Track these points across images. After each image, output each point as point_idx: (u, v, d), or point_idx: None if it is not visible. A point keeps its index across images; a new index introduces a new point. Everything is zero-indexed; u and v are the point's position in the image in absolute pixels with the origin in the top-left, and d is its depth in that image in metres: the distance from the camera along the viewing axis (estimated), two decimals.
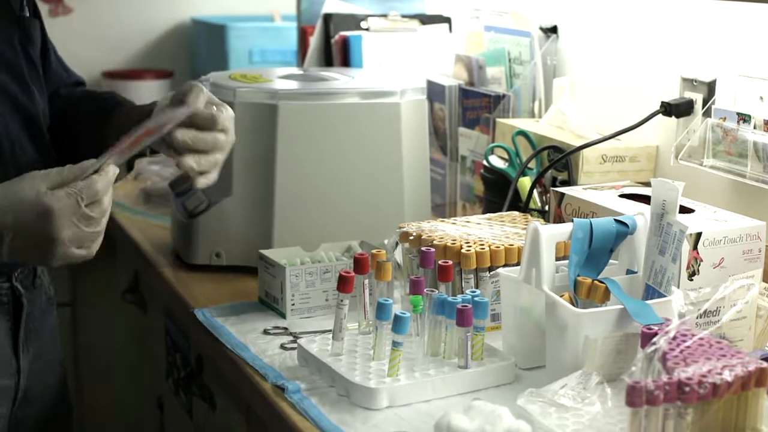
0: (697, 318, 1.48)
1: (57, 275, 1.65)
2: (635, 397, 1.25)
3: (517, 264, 1.64)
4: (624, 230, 1.57)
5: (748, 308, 1.57)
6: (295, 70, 2.37)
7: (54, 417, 1.84)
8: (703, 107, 1.94)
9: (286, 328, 1.77)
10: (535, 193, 2.07)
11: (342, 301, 1.59)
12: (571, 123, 2.19)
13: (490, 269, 1.71)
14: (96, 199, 1.44)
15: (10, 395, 1.70)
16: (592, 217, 1.67)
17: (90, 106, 1.85)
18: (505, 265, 1.70)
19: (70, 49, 3.43)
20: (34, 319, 1.76)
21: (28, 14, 1.75)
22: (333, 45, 2.81)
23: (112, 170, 1.46)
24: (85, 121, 1.81)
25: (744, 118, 1.80)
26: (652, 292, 1.55)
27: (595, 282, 1.52)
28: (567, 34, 2.38)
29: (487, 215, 1.93)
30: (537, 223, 1.56)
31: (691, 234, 1.57)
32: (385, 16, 2.79)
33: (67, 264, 1.49)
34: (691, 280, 1.58)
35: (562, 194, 1.85)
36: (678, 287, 1.53)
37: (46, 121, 1.76)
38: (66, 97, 1.87)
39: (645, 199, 1.74)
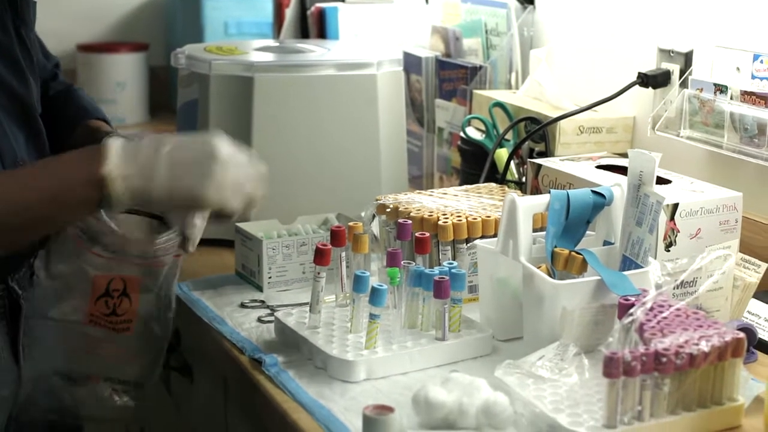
0: (674, 289, 1.48)
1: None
2: (612, 368, 1.25)
3: (495, 236, 1.64)
4: (601, 201, 1.57)
5: (725, 279, 1.57)
6: (271, 42, 2.36)
7: (60, 422, 1.71)
8: (680, 78, 1.94)
9: (263, 301, 1.77)
10: (512, 164, 2.07)
11: (319, 273, 1.59)
12: (548, 94, 2.18)
13: (467, 241, 1.71)
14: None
15: (8, 406, 1.60)
16: (569, 189, 1.66)
17: (64, 114, 1.80)
18: (482, 237, 1.70)
19: (43, 22, 3.41)
20: (34, 321, 1.62)
21: None
22: (309, 17, 2.80)
23: None
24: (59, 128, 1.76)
25: (721, 88, 1.80)
26: (629, 263, 1.55)
27: (572, 253, 1.52)
28: (544, 5, 2.37)
29: (464, 187, 1.92)
30: (514, 194, 1.56)
31: (668, 205, 1.57)
32: None
33: (215, 213, 1.45)
34: (668, 251, 1.59)
35: (539, 165, 1.85)
36: (655, 258, 1.53)
37: (38, 105, 1.67)
38: (50, 96, 1.81)
39: (622, 170, 1.74)
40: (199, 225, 1.53)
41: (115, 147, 1.38)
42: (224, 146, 1.42)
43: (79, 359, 1.61)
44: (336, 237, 1.62)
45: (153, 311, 1.62)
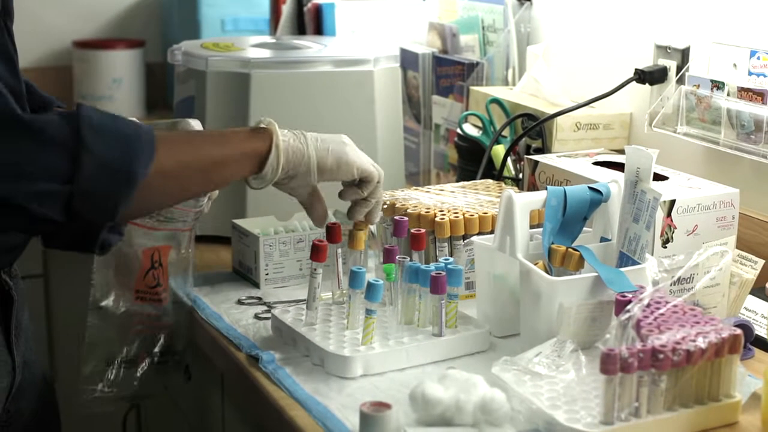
0: (671, 285, 1.48)
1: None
2: (609, 364, 1.25)
3: (491, 232, 1.64)
4: (598, 198, 1.57)
5: (722, 275, 1.57)
6: (267, 39, 2.36)
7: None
8: (677, 74, 1.94)
9: (260, 298, 1.76)
10: (509, 161, 2.07)
11: (315, 270, 1.59)
12: (545, 90, 2.18)
13: (464, 237, 1.71)
14: None
15: (4, 395, 1.59)
16: (566, 185, 1.66)
17: None
18: (479, 234, 1.70)
19: (40, 18, 3.42)
20: (21, 309, 1.64)
21: None
22: (306, 13, 2.80)
23: None
24: None
25: (718, 85, 1.80)
26: (626, 259, 1.55)
27: (569, 250, 1.52)
28: (540, 1, 2.37)
29: (461, 183, 1.92)
30: (511, 191, 1.56)
31: (665, 201, 1.57)
32: None
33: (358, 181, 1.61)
34: (665, 247, 1.59)
35: (536, 162, 1.85)
36: (652, 254, 1.53)
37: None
38: None
39: (619, 166, 1.74)
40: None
41: (276, 126, 1.56)
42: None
43: (130, 340, 1.70)
44: (332, 233, 1.62)
45: (179, 275, 1.73)
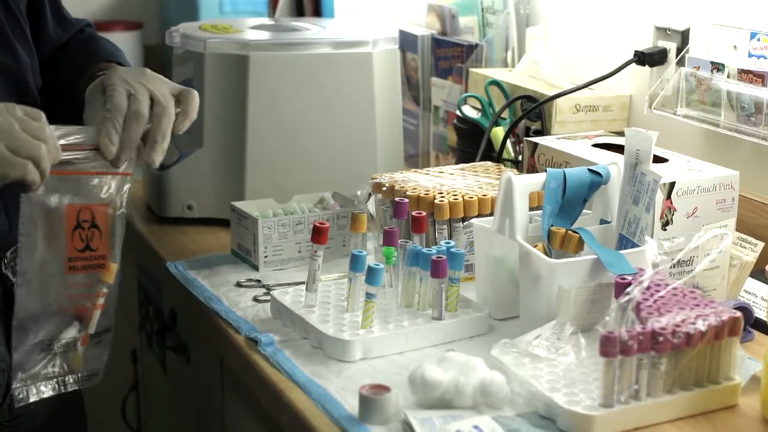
0: (670, 268, 1.48)
1: None
2: (609, 347, 1.25)
3: (491, 214, 1.63)
4: (597, 180, 1.57)
5: (722, 258, 1.57)
6: (266, 21, 2.35)
7: (61, 409, 1.71)
8: (677, 56, 1.93)
9: (259, 281, 1.76)
10: (509, 143, 2.06)
11: (316, 252, 1.58)
12: (545, 72, 2.18)
13: (463, 220, 1.70)
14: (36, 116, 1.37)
15: (1, 391, 1.57)
16: (566, 167, 1.66)
17: (72, 63, 1.70)
18: (478, 216, 1.69)
19: None
20: None
21: None
22: None
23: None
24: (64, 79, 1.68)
25: (718, 67, 1.79)
26: (625, 242, 1.54)
27: (569, 232, 1.52)
28: None
29: (461, 165, 1.92)
30: (510, 173, 1.56)
31: (664, 183, 1.56)
32: None
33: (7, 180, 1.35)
34: (665, 229, 1.58)
35: (536, 144, 1.85)
36: (652, 237, 1.53)
37: (36, 78, 1.63)
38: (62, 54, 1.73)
39: (618, 148, 1.73)
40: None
41: None
42: None
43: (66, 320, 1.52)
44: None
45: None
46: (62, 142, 1.42)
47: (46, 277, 1.49)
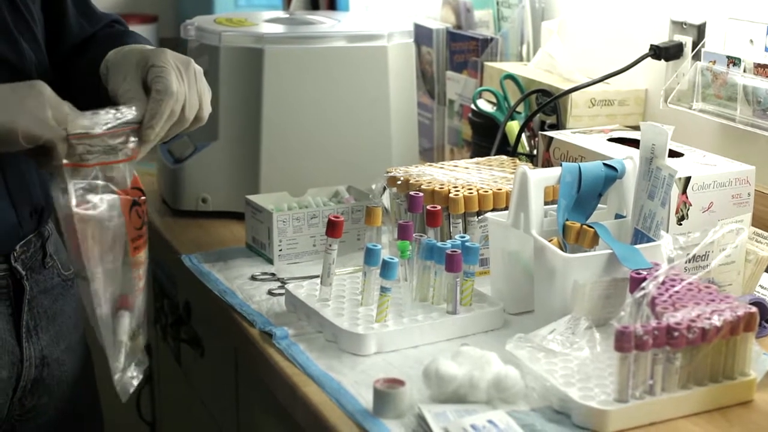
0: (686, 263, 1.48)
1: None
2: (624, 342, 1.25)
3: (506, 208, 1.63)
4: (613, 174, 1.56)
5: (737, 253, 1.56)
6: (281, 14, 2.35)
7: (76, 404, 1.71)
8: (693, 50, 1.93)
9: (273, 274, 1.76)
10: (524, 137, 2.06)
11: (330, 246, 1.58)
12: (560, 66, 2.17)
13: (478, 214, 1.70)
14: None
15: (8, 388, 1.57)
16: (581, 161, 1.66)
17: (92, 54, 1.63)
18: (493, 210, 1.69)
19: None
20: (43, 303, 1.62)
21: None
22: None
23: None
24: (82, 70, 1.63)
25: (734, 61, 1.79)
26: (641, 236, 1.54)
27: (584, 226, 1.52)
28: None
29: (475, 159, 1.92)
30: (525, 167, 1.56)
31: (680, 178, 1.56)
32: None
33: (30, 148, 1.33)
34: (680, 224, 1.58)
35: (551, 138, 1.84)
36: (667, 232, 1.52)
37: (44, 76, 1.53)
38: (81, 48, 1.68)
39: (634, 143, 1.73)
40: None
41: None
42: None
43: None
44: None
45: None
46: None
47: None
